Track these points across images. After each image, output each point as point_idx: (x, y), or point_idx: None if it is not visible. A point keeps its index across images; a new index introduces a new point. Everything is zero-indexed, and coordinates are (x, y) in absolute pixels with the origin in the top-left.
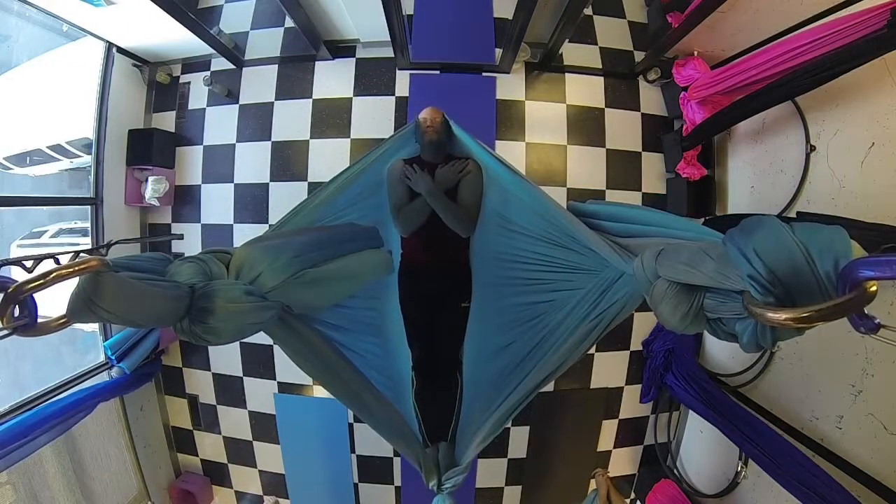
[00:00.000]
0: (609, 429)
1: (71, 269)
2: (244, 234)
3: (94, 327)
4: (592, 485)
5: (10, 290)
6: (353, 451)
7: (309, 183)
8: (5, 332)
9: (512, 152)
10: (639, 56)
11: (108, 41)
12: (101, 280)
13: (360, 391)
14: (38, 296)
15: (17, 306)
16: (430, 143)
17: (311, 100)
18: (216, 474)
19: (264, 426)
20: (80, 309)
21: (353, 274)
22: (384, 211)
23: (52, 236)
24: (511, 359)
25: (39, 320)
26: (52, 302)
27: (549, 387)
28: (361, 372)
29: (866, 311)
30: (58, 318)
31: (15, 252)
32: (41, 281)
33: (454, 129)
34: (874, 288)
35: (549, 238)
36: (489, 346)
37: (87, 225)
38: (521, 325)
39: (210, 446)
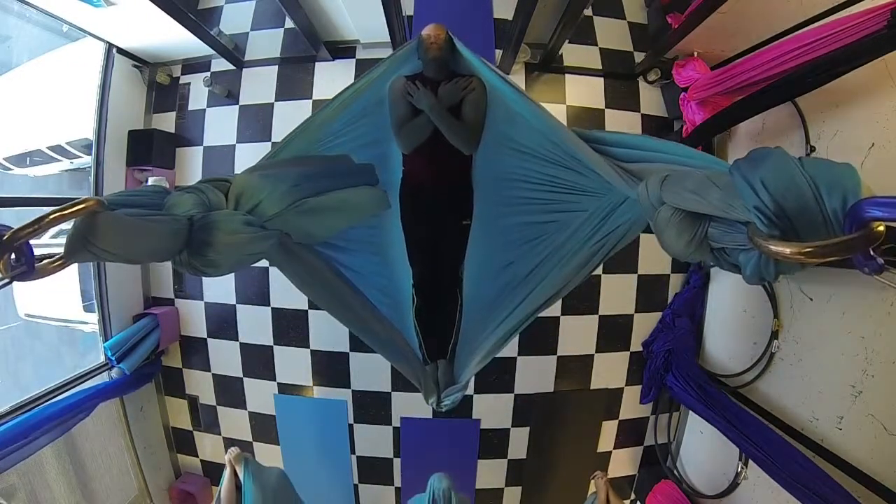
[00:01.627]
0: (609, 429)
1: (66, 212)
2: None
3: (94, 328)
4: (592, 486)
5: (4, 238)
6: (353, 451)
7: None
8: (4, 280)
9: None
10: (639, 57)
11: (108, 42)
12: (98, 219)
13: (360, 311)
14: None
15: (13, 254)
16: (433, 60)
17: (311, 100)
18: (216, 475)
19: (264, 427)
20: (77, 248)
21: (350, 207)
22: (386, 128)
23: (52, 237)
24: (512, 278)
25: (37, 264)
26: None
27: (549, 387)
28: (362, 291)
29: (871, 252)
30: (54, 259)
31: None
32: (36, 226)
33: (458, 47)
34: (881, 228)
35: (554, 159)
36: (490, 264)
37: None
38: (522, 245)
39: (210, 447)
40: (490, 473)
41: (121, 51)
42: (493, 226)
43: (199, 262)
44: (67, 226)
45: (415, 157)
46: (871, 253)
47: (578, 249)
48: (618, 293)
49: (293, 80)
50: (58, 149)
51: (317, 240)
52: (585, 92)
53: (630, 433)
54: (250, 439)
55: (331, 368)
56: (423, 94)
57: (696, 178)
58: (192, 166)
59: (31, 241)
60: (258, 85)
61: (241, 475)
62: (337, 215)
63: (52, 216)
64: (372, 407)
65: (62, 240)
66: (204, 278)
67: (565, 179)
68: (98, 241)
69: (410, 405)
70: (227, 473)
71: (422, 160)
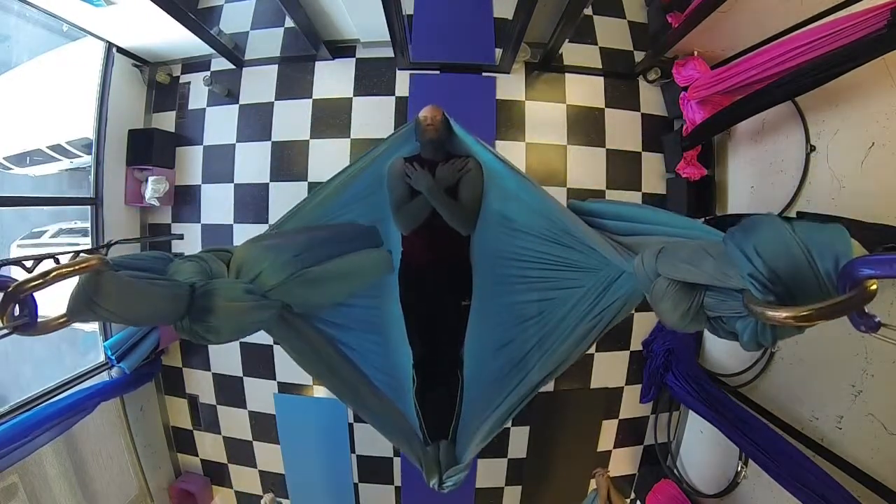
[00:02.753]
0: (609, 429)
1: (71, 269)
2: (244, 233)
3: (94, 327)
4: (592, 484)
5: (10, 290)
6: (353, 451)
7: (309, 183)
8: (5, 331)
9: (512, 152)
10: (639, 56)
11: (108, 41)
12: (102, 279)
13: (360, 389)
14: (38, 296)
15: (17, 305)
16: (430, 142)
17: (311, 100)
18: (216, 474)
19: (264, 426)
20: (80, 308)
21: (353, 272)
22: (384, 209)
23: (52, 236)
24: (511, 357)
25: (39, 319)
26: (53, 303)
27: (550, 387)
28: (362, 370)
29: (866, 310)
30: (58, 317)
31: (15, 252)
32: (41, 280)
33: (454, 128)
34: (874, 286)
35: (550, 236)
36: (490, 344)
37: (87, 225)
38: (521, 324)
39: (210, 446)
40: (490, 473)
41: (121, 50)
42: (492, 305)
43: (200, 329)
44: (68, 225)
45: (413, 237)
46: (867, 311)
47: (576, 325)
48: None
49: (293, 80)
50: (58, 148)
51: (319, 308)
52: (585, 91)
53: (630, 432)
54: (250, 439)
55: None
56: (421, 176)
57: (690, 249)
58: (192, 166)
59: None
60: (258, 84)
61: None
62: (339, 282)
63: (56, 272)
64: None
65: (61, 239)
66: None
67: (561, 256)
68: (101, 301)
69: None
70: None
71: (420, 241)
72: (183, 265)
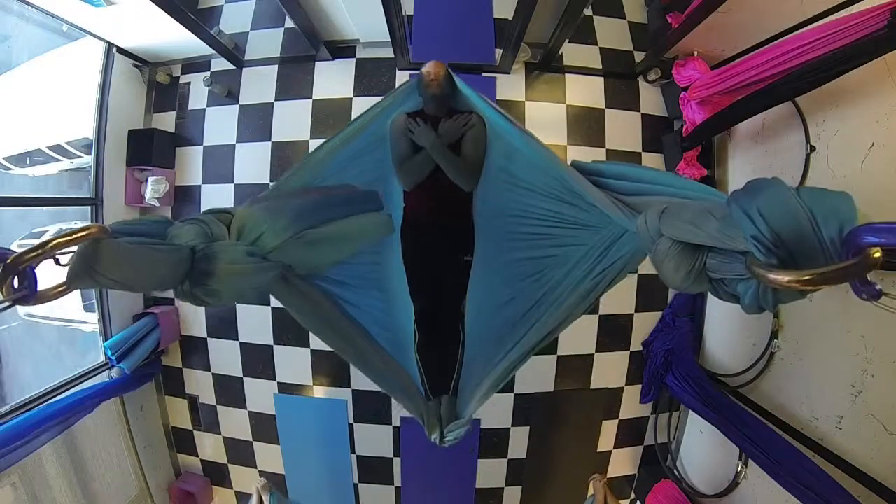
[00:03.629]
0: (609, 429)
1: (70, 238)
2: None
3: (94, 327)
4: (591, 488)
5: (8, 261)
6: (353, 451)
7: None
8: (6, 303)
9: None
10: (639, 56)
11: (108, 41)
12: (101, 246)
13: (362, 346)
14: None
15: (16, 277)
16: (433, 97)
17: (311, 100)
18: (216, 474)
19: (264, 426)
20: (80, 276)
21: (353, 235)
22: (387, 165)
23: (52, 235)
24: (513, 314)
25: (39, 288)
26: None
27: (550, 387)
28: (364, 327)
29: (868, 278)
30: (57, 285)
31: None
32: (40, 251)
33: (458, 84)
34: (878, 254)
35: (553, 193)
36: (491, 300)
37: (88, 223)
38: (522, 281)
39: (210, 447)
40: (490, 473)
41: (121, 50)
42: (494, 261)
43: (200, 292)
44: (68, 225)
45: (416, 193)
46: (869, 279)
47: (578, 283)
48: (618, 293)
49: (293, 80)
50: (58, 148)
51: (320, 270)
52: (585, 91)
53: (630, 433)
54: (250, 439)
55: (331, 368)
56: (424, 132)
57: (694, 210)
58: (192, 166)
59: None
60: (258, 84)
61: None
62: (340, 244)
63: (55, 242)
64: (372, 407)
65: (61, 225)
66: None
67: (564, 214)
68: (101, 268)
69: None
70: (254, 500)
71: (423, 197)
72: (183, 228)
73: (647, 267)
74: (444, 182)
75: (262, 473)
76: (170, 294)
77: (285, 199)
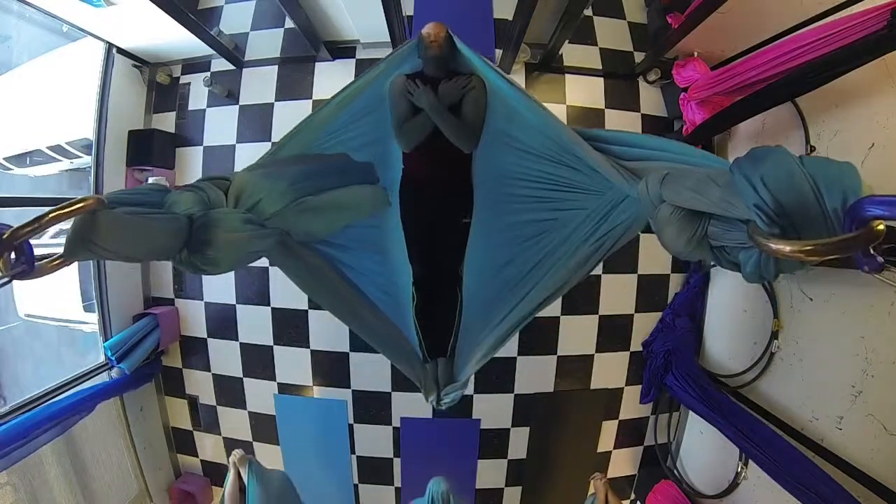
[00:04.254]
0: (609, 429)
1: (67, 210)
2: None
3: (94, 328)
4: (591, 487)
5: (4, 236)
6: (353, 451)
7: None
8: (4, 278)
9: None
10: (639, 57)
11: (108, 42)
12: (98, 218)
13: (360, 309)
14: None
15: (13, 252)
16: (433, 58)
17: (311, 100)
18: (216, 475)
19: (264, 427)
20: (77, 248)
21: (350, 205)
22: (386, 127)
23: (52, 237)
24: (511, 276)
25: (37, 263)
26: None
27: (550, 387)
28: (362, 290)
29: (871, 250)
30: (54, 258)
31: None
32: (36, 224)
33: (458, 45)
34: (881, 227)
35: (553, 156)
36: (490, 262)
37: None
38: (522, 243)
39: (210, 447)
40: (490, 473)
41: (121, 51)
42: (493, 224)
43: (199, 261)
44: (68, 225)
45: (415, 155)
46: (871, 251)
47: (578, 247)
48: (618, 293)
49: (293, 80)
50: (58, 149)
51: (317, 237)
52: (585, 92)
53: (630, 433)
54: (250, 439)
55: (331, 368)
56: (423, 93)
57: (696, 176)
58: (192, 166)
59: (32, 241)
60: (258, 85)
61: (245, 477)
62: (336, 213)
63: (51, 214)
64: (372, 407)
65: (61, 240)
66: (204, 276)
67: (565, 177)
68: (98, 240)
69: (410, 405)
70: (231, 475)
71: (422, 158)
72: (181, 196)
73: (647, 267)
74: (443, 144)
75: None
76: (170, 294)
77: (283, 166)
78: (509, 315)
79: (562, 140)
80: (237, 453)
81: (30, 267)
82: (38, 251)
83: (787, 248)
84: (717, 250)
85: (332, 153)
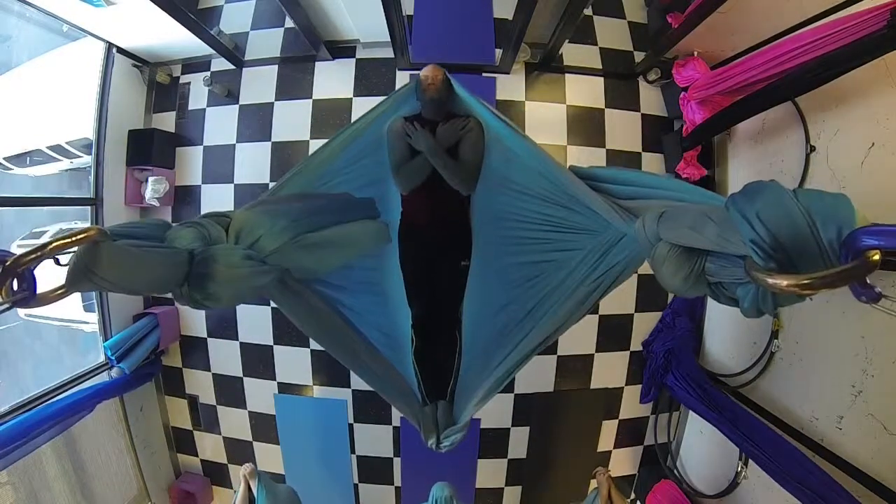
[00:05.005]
0: (609, 429)
1: (69, 240)
2: None
3: (94, 327)
4: (593, 484)
5: (7, 263)
6: (353, 451)
7: None
8: (5, 305)
9: None
10: (639, 56)
11: (108, 41)
12: (100, 249)
13: (359, 350)
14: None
15: (15, 279)
16: (430, 101)
17: (311, 100)
18: (216, 475)
19: (264, 426)
20: (78, 278)
21: (350, 241)
22: (384, 169)
23: (52, 236)
24: (510, 318)
25: (38, 291)
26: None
27: (550, 387)
28: (361, 331)
29: (868, 280)
30: (56, 288)
31: (15, 252)
32: (39, 253)
33: (455, 88)
34: (877, 257)
35: (551, 198)
36: (488, 305)
37: (87, 225)
38: (520, 285)
39: (210, 447)
40: (490, 473)
41: (121, 50)
42: (492, 266)
43: (199, 295)
44: (68, 225)
45: (413, 197)
46: (868, 282)
47: (576, 288)
48: (618, 293)
49: (293, 80)
50: (58, 148)
51: (317, 275)
52: (585, 91)
53: (630, 433)
54: (250, 439)
55: (331, 368)
56: (422, 135)
57: (692, 214)
58: (191, 166)
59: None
60: (258, 84)
61: (254, 490)
62: (337, 250)
63: (54, 244)
64: (372, 407)
65: (61, 225)
66: None
67: (562, 218)
68: (100, 271)
69: None
70: (241, 488)
71: (420, 201)
72: (181, 231)
73: (647, 267)
74: (441, 186)
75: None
76: (170, 294)
77: (283, 203)
78: (508, 357)
79: (559, 180)
80: (247, 467)
81: (31, 294)
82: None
83: (785, 283)
84: (715, 286)
85: (334, 192)
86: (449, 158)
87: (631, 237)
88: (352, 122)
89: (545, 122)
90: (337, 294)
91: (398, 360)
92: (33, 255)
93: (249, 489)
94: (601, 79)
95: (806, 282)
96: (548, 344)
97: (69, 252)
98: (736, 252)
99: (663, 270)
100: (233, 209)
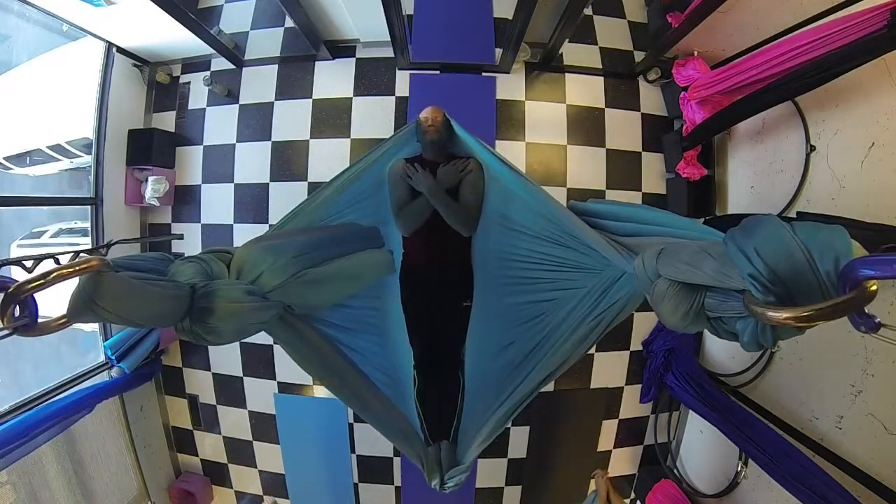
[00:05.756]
0: (609, 429)
1: (71, 269)
2: (244, 234)
3: (94, 327)
4: (593, 485)
5: (10, 290)
6: (353, 451)
7: (309, 183)
8: (6, 332)
9: (512, 152)
10: (639, 56)
11: (108, 41)
12: (102, 280)
13: (361, 390)
14: (38, 295)
15: (17, 306)
16: (431, 143)
17: (310, 100)
18: (216, 474)
19: (264, 426)
20: (80, 309)
21: (354, 274)
22: (385, 210)
23: (52, 236)
24: (512, 358)
25: (40, 320)
26: (53, 304)
27: (550, 387)
28: (363, 371)
29: (866, 311)
30: (58, 318)
31: (15, 252)
32: (41, 281)
33: (455, 129)
34: (874, 287)
35: (551, 237)
36: (491, 345)
37: (87, 225)
38: (522, 325)
39: (210, 446)
40: (490, 473)
41: (121, 50)
42: (494, 306)
43: (201, 330)
44: (68, 225)
45: (414, 239)
46: (866, 311)
47: (577, 326)
48: None
49: (293, 80)
50: (58, 148)
51: (320, 310)
52: (585, 91)
53: (630, 432)
54: (250, 438)
55: None
56: (422, 177)
57: (690, 250)
58: (192, 166)
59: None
60: (258, 84)
61: None
62: (341, 284)
63: (57, 273)
64: None
65: (61, 239)
66: None
67: (563, 257)
68: (102, 302)
69: None
70: None
71: (421, 242)
72: (183, 266)
73: None
74: (442, 227)
75: (262, 473)
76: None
77: (286, 238)
78: (511, 396)
79: (558, 220)
80: (268, 500)
81: (32, 322)
82: (37, 250)
83: (784, 316)
84: (715, 321)
85: (336, 224)
86: (450, 200)
87: (631, 275)
88: (352, 164)
89: (545, 121)
90: (338, 334)
91: (401, 401)
92: (36, 283)
93: None
94: (601, 78)
95: (805, 314)
96: (550, 381)
97: (72, 281)
98: (735, 287)
99: (663, 307)
100: (232, 209)
